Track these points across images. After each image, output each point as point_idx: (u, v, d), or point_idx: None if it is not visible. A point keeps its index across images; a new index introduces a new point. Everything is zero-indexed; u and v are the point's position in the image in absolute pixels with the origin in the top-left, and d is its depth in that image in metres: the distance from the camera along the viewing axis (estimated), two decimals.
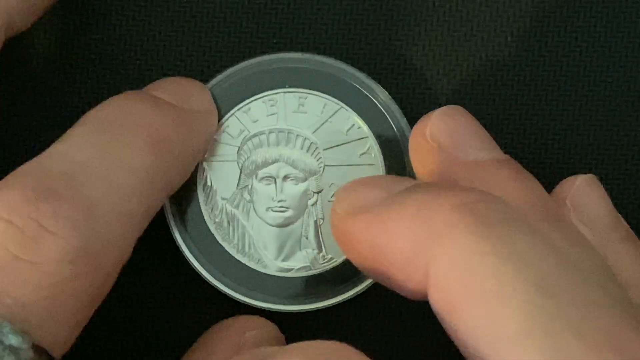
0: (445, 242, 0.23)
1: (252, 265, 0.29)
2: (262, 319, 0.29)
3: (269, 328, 0.28)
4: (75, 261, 0.24)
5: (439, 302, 0.23)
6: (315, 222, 0.29)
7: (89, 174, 0.25)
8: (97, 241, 0.24)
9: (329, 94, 0.29)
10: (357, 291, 0.29)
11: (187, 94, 0.28)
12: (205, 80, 0.29)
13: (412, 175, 0.29)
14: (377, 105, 0.29)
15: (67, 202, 0.24)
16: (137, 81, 0.30)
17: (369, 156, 0.29)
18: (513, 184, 0.26)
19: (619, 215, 0.28)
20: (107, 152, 0.25)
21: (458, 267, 0.22)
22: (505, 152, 0.28)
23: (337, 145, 0.29)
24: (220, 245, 0.29)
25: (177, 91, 0.28)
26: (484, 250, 0.22)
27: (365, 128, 0.29)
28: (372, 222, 0.24)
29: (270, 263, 0.29)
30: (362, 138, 0.29)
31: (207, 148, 0.29)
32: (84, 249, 0.24)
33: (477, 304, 0.22)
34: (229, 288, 0.29)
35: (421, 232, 0.23)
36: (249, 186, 0.29)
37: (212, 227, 0.29)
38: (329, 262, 0.29)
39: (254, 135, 0.29)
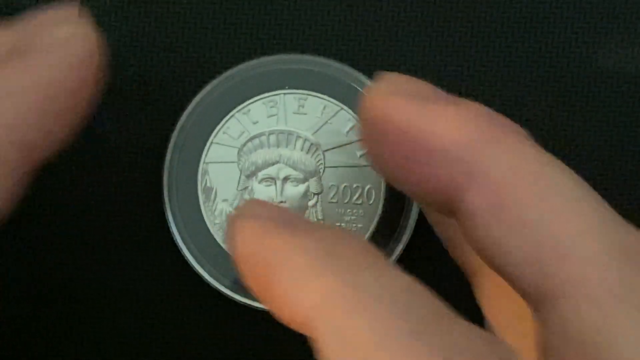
0: (505, 147, 0.22)
1: None
2: None
3: None
4: None
5: (483, 205, 0.22)
6: None
7: None
8: None
9: (329, 95, 0.29)
10: None
11: (40, 24, 0.24)
12: (205, 81, 0.29)
13: None
14: None
15: None
16: (138, 82, 0.30)
17: None
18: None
19: None
20: None
21: (518, 172, 0.22)
22: None
23: (337, 147, 0.29)
24: (221, 246, 0.29)
25: (25, 24, 0.24)
26: (546, 161, 0.22)
27: None
28: (424, 106, 0.24)
29: None
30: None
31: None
32: None
33: (543, 213, 0.22)
34: (229, 289, 0.29)
35: (478, 132, 0.23)
36: (249, 187, 0.29)
37: (212, 229, 0.29)
38: None
39: (254, 137, 0.29)
